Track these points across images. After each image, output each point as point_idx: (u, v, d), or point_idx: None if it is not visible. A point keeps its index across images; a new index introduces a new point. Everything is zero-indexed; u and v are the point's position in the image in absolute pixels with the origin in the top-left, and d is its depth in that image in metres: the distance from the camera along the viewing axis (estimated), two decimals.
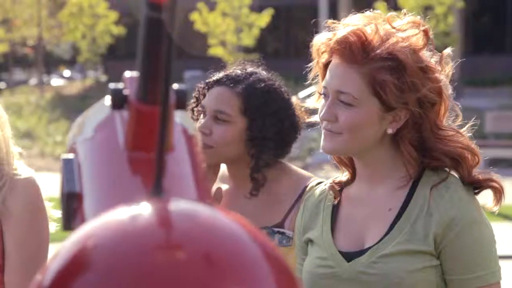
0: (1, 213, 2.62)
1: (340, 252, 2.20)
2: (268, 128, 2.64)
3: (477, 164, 2.20)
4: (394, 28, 2.17)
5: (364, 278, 2.14)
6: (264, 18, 23.42)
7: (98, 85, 35.27)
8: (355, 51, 2.12)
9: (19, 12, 36.31)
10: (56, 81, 47.12)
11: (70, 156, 1.08)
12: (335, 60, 2.17)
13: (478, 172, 2.19)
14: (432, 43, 2.21)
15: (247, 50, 24.00)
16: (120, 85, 1.04)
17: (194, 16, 24.41)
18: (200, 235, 0.91)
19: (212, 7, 24.37)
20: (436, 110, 2.17)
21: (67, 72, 51.65)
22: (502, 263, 2.21)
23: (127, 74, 1.06)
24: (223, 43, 23.88)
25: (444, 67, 2.21)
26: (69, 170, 1.05)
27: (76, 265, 0.89)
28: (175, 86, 1.06)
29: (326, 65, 2.20)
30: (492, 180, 2.19)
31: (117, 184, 1.03)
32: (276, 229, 2.67)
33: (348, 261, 2.17)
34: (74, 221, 1.03)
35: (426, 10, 19.75)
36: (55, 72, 54.10)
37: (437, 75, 2.16)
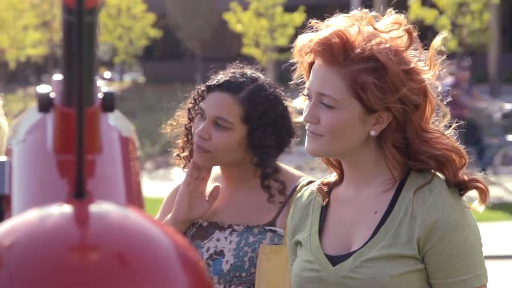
0: None
1: (327, 256, 2.19)
2: (268, 136, 2.65)
3: (463, 165, 2.17)
4: (376, 29, 2.15)
5: (348, 282, 2.12)
6: (298, 17, 23.35)
7: (136, 86, 35.42)
8: (336, 52, 2.10)
9: (57, 14, 36.64)
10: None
11: (3, 158, 1.10)
12: (317, 61, 2.15)
13: (463, 173, 2.16)
14: (418, 42, 2.19)
15: (281, 49, 23.96)
16: (47, 89, 1.06)
17: (228, 16, 24.43)
18: (111, 235, 0.93)
19: (246, 6, 24.34)
20: (421, 111, 2.13)
21: (107, 74, 51.90)
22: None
23: (55, 77, 1.08)
24: (257, 43, 23.86)
25: (433, 66, 2.18)
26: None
27: None
28: (103, 88, 1.08)
29: (311, 66, 2.18)
30: (477, 181, 2.16)
31: (44, 186, 1.05)
32: (268, 228, 2.67)
33: (334, 265, 2.16)
34: (2, 223, 1.05)
35: (461, 6, 19.52)
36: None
37: (421, 76, 2.13)
